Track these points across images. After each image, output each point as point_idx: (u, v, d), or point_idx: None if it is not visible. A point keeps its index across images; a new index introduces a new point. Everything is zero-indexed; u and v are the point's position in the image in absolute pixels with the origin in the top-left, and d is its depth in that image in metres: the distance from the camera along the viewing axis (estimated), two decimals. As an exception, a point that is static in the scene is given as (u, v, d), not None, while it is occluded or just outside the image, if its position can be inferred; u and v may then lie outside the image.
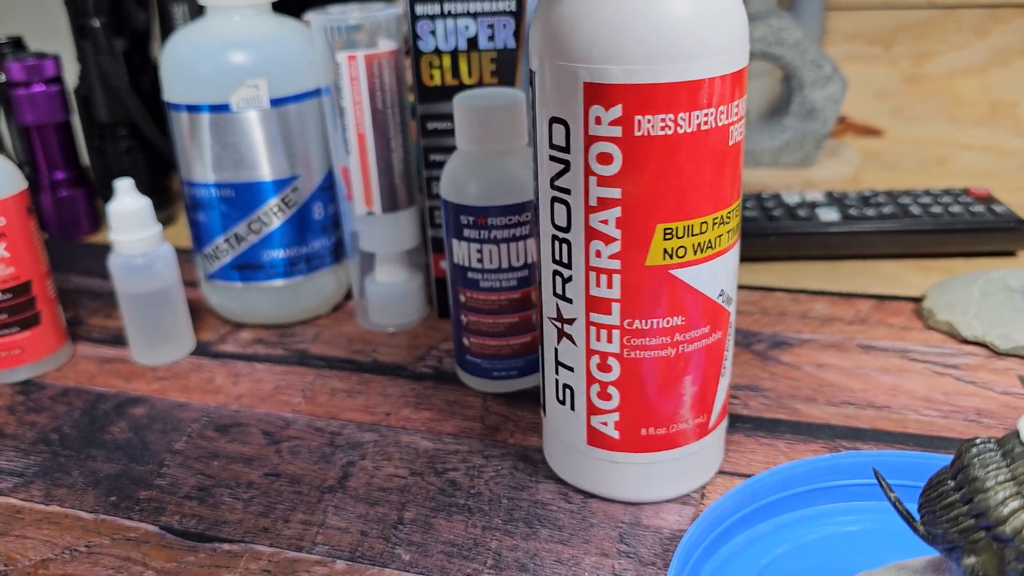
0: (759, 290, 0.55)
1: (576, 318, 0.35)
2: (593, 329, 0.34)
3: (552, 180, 0.34)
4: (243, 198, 0.50)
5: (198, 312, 0.56)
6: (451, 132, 0.48)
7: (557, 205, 0.34)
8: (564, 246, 0.34)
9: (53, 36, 0.79)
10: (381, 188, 0.49)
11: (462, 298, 0.44)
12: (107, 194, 0.70)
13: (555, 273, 0.35)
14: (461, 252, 0.43)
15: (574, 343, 0.35)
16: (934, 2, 0.74)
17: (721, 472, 0.39)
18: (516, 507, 0.37)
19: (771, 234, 0.57)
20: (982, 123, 0.76)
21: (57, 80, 0.67)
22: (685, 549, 0.31)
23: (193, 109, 0.49)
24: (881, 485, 0.27)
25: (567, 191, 0.33)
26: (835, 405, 0.43)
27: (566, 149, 0.32)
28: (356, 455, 0.41)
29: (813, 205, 0.59)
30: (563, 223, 0.34)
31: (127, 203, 0.48)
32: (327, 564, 0.35)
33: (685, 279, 0.33)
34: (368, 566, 0.35)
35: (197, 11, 0.65)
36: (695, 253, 0.33)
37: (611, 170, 0.32)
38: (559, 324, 0.36)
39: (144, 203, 0.48)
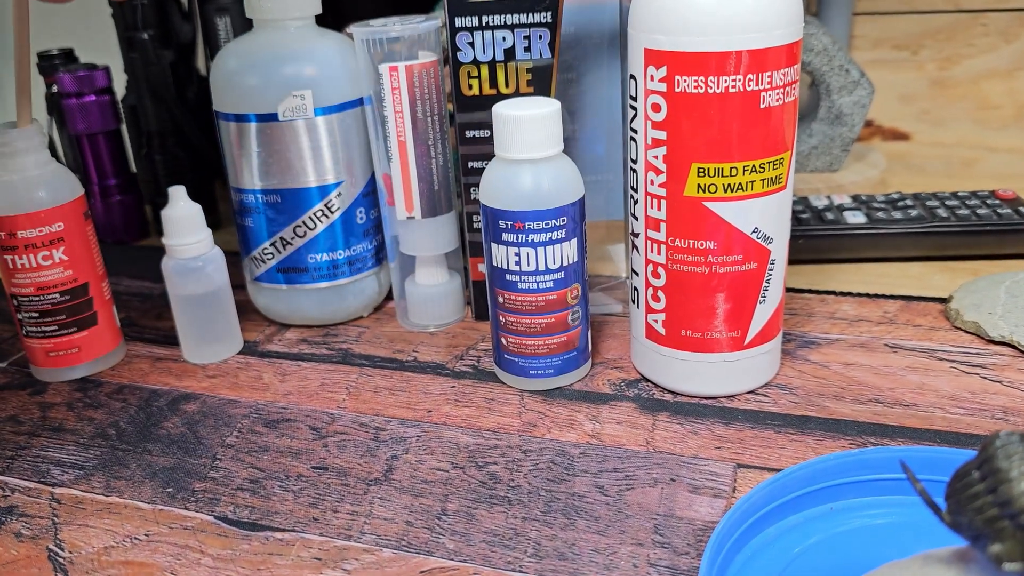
0: (787, 291, 0.56)
1: (640, 233, 0.44)
2: (649, 242, 0.44)
3: (630, 123, 0.43)
4: (289, 203, 0.52)
5: (245, 313, 0.58)
6: (488, 140, 0.50)
7: (631, 143, 0.43)
8: (634, 175, 0.44)
9: (103, 48, 0.82)
10: (421, 194, 0.51)
11: (500, 299, 0.46)
12: (155, 200, 0.73)
13: (630, 196, 0.45)
14: (500, 255, 0.45)
15: (639, 253, 0.45)
16: (961, 6, 0.75)
17: (752, 467, 0.40)
18: (554, 499, 0.39)
19: (799, 237, 0.58)
20: (1009, 126, 0.77)
21: (107, 90, 0.69)
22: (718, 539, 0.33)
23: (241, 118, 0.51)
24: (909, 477, 0.29)
25: (636, 131, 0.43)
26: (863, 403, 0.44)
27: (635, 99, 0.42)
28: (400, 449, 0.43)
29: (840, 208, 0.60)
30: (634, 156, 0.43)
31: (180, 209, 0.50)
32: (374, 552, 0.37)
33: (716, 211, 0.41)
34: (414, 554, 0.37)
35: (240, 23, 0.67)
36: (725, 191, 0.41)
37: (660, 116, 0.41)
38: (632, 237, 0.45)
39: (196, 209, 0.50)
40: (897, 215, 0.58)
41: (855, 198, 0.61)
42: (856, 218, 0.58)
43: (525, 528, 0.38)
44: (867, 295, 0.55)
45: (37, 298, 0.50)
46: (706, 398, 0.45)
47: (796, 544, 0.35)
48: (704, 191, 0.41)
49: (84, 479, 0.43)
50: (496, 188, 0.44)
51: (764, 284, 0.43)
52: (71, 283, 0.50)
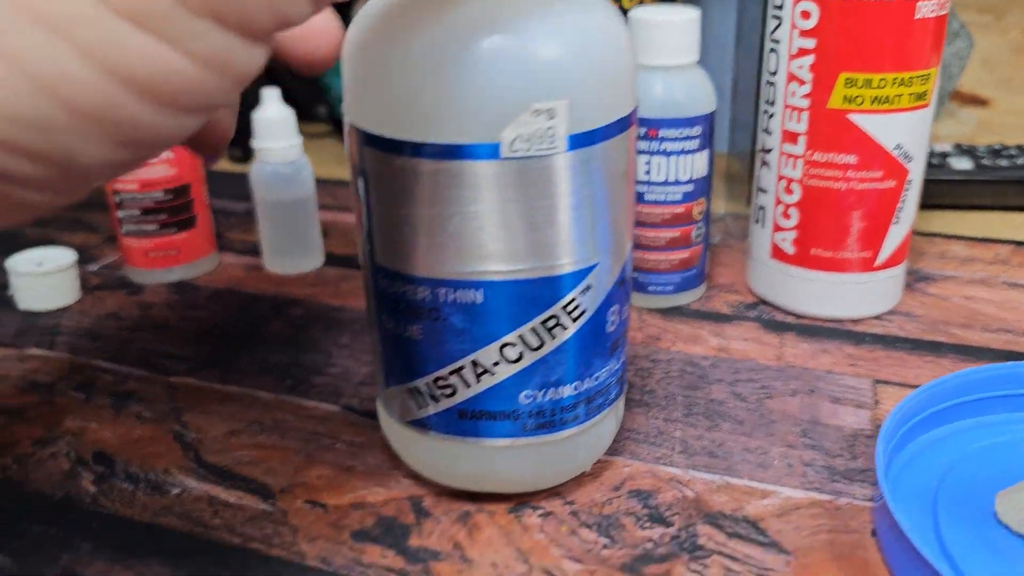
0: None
1: (773, 148, 0.43)
2: (783, 157, 0.43)
3: (771, 33, 0.42)
4: (504, 302, 0.29)
5: (340, 227, 0.57)
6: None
7: (771, 55, 0.43)
8: (771, 88, 0.43)
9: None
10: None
11: (625, 211, 0.45)
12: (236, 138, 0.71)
13: (764, 111, 0.44)
14: (630, 163, 0.44)
15: (769, 168, 0.44)
16: (1053, -29, 0.74)
17: (891, 383, 0.39)
18: (693, 403, 0.38)
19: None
20: (1095, 94, 0.76)
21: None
22: (886, 436, 0.32)
23: (418, 151, 0.27)
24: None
25: (778, 41, 0.42)
26: (992, 332, 0.43)
27: (780, 7, 0.41)
28: (525, 353, 0.42)
29: (944, 155, 0.59)
30: (773, 68, 0.43)
31: (273, 111, 0.48)
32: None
33: (860, 125, 0.41)
34: (555, 448, 0.36)
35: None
36: (872, 104, 0.40)
37: (809, 24, 0.40)
38: (763, 154, 0.44)
39: (288, 112, 0.49)
40: (1003, 163, 0.57)
41: (958, 146, 0.60)
42: (962, 164, 0.57)
43: (668, 428, 0.37)
44: (976, 239, 0.54)
45: (140, 195, 0.49)
46: (830, 320, 0.45)
47: (958, 449, 0.34)
48: (850, 102, 0.40)
49: (197, 370, 0.42)
50: (632, 94, 0.43)
51: (900, 204, 0.42)
52: (175, 182, 0.49)
